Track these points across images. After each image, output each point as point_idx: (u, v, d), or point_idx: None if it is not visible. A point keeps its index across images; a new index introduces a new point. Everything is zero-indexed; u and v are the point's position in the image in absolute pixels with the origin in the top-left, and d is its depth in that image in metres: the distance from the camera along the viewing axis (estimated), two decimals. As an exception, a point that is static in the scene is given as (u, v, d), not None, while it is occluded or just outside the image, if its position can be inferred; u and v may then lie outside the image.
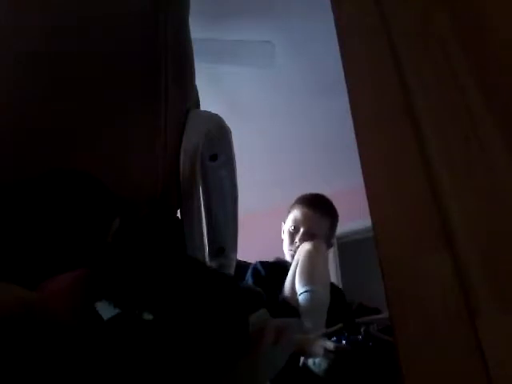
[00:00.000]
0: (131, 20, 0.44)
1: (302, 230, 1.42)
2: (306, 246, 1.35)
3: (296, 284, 1.25)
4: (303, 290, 1.22)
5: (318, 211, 1.44)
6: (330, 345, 1.02)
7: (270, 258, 1.52)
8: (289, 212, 1.52)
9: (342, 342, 1.04)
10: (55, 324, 0.27)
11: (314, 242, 1.37)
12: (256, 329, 0.42)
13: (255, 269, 1.38)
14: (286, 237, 1.47)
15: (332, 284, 1.41)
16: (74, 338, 0.27)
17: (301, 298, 1.21)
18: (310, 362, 1.03)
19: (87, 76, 0.39)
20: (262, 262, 1.42)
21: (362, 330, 1.04)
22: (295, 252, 1.37)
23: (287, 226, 1.48)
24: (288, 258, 1.46)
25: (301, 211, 1.46)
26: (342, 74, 0.40)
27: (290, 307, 1.23)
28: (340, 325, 1.09)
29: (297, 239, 1.41)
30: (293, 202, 1.55)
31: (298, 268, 1.30)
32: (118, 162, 0.40)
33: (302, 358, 1.06)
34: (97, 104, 0.39)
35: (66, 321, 0.27)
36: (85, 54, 0.40)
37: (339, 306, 1.32)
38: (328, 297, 1.24)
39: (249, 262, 1.45)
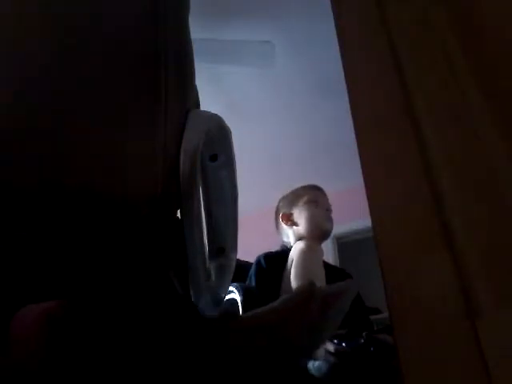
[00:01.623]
0: (131, 20, 0.44)
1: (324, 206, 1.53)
2: (299, 246, 1.37)
3: (292, 284, 1.27)
4: None
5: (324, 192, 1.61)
6: (330, 347, 1.03)
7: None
8: (294, 203, 1.56)
9: (341, 344, 1.04)
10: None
11: (306, 241, 1.39)
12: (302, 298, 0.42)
13: (258, 261, 1.43)
14: (307, 206, 1.52)
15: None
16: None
17: None
18: (310, 364, 1.03)
19: (87, 76, 0.39)
20: (265, 255, 1.46)
21: (363, 334, 1.04)
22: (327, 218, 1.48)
23: (305, 200, 1.54)
24: (292, 240, 1.50)
25: (317, 192, 1.58)
26: (342, 74, 0.40)
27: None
28: (343, 330, 1.09)
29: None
30: (293, 195, 1.60)
31: (292, 269, 1.32)
32: (117, 162, 0.40)
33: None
34: (96, 104, 0.39)
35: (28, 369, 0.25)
36: (84, 54, 0.40)
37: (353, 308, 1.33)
38: None
39: (250, 262, 1.46)
